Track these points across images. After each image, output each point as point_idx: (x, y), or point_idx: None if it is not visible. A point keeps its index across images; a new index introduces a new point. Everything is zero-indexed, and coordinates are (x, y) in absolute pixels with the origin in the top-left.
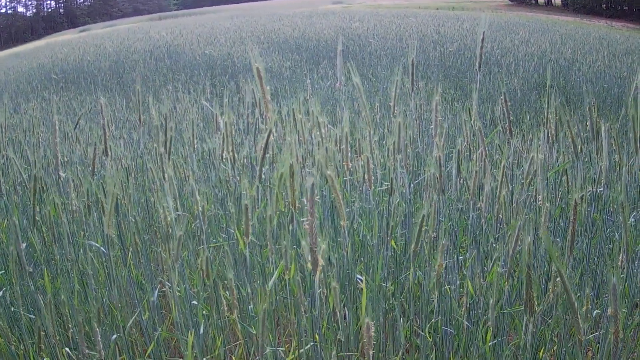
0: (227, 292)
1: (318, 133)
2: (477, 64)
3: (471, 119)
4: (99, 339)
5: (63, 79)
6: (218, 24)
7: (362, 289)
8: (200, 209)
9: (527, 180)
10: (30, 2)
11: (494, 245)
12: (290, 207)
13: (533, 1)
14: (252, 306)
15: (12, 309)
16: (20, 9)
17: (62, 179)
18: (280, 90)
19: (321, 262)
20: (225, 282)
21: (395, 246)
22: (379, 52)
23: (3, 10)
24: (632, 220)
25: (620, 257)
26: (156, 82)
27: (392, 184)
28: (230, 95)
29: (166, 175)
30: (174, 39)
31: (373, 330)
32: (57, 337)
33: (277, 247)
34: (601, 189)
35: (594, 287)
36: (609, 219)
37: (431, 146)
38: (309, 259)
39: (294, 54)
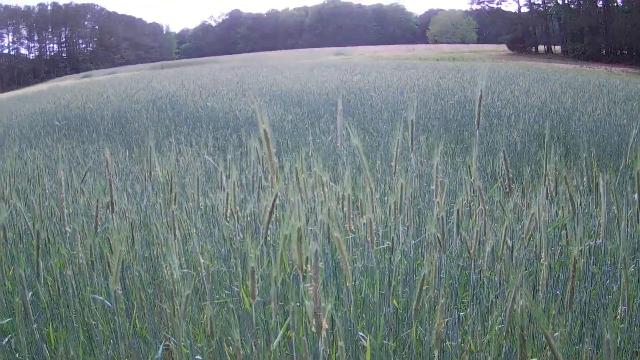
0: (231, 348)
1: (321, 192)
2: (475, 121)
3: (471, 177)
4: None
5: (66, 126)
6: (220, 75)
7: (364, 346)
8: (204, 270)
9: (527, 237)
10: (33, 45)
11: (494, 301)
12: (297, 269)
13: (533, 49)
14: None
15: (17, 354)
16: (23, 51)
17: (67, 234)
18: (282, 144)
19: (325, 326)
20: (229, 338)
21: (396, 304)
22: (380, 106)
23: (6, 51)
24: (632, 268)
25: (620, 308)
26: (158, 133)
27: (394, 242)
28: (233, 150)
29: (171, 232)
30: (176, 90)
31: None
32: None
33: (281, 305)
34: (600, 241)
35: (593, 338)
36: (608, 271)
37: (432, 204)
38: (314, 322)
39: (295, 107)
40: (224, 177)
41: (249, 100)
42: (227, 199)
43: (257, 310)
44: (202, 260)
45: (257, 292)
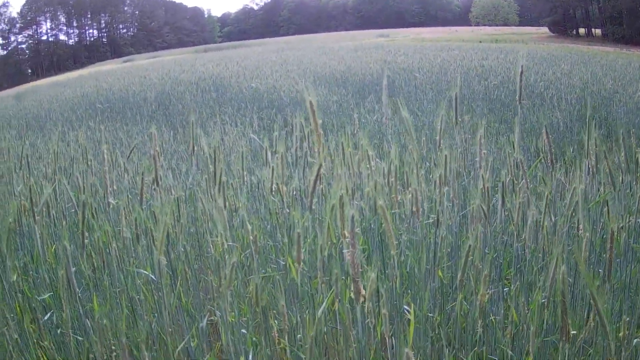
0: (276, 321)
1: (367, 166)
2: (517, 96)
3: (514, 152)
4: None
5: (108, 109)
6: (263, 57)
7: (409, 319)
8: (252, 237)
9: (570, 212)
10: (72, 31)
11: (537, 274)
12: (341, 237)
13: (574, 32)
14: (300, 335)
15: (59, 330)
16: (62, 37)
17: (111, 207)
18: (327, 124)
19: (363, 292)
20: (275, 311)
21: (442, 277)
22: (424, 86)
23: (45, 38)
24: None
25: None
26: (203, 114)
27: (439, 216)
28: (278, 129)
29: (217, 205)
30: (219, 72)
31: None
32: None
33: (327, 278)
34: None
35: (632, 316)
36: None
37: (476, 179)
38: (352, 288)
39: (340, 88)
40: (270, 154)
41: (293, 82)
42: (272, 174)
43: (303, 282)
44: (249, 227)
45: (302, 257)
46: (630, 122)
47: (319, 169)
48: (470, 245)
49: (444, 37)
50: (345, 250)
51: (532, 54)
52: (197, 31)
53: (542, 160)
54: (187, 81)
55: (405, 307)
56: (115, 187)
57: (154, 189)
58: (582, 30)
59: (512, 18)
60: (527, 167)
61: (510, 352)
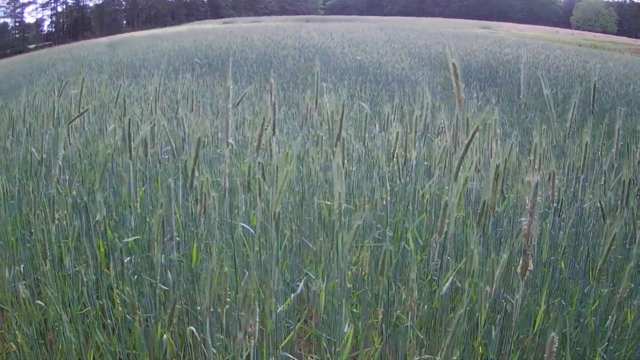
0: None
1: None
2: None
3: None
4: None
5: (207, 65)
6: (368, 33)
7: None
8: (386, 199)
9: None
10: None
11: None
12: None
13: None
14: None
15: (135, 277)
16: None
17: (230, 146)
18: (434, 104)
19: (531, 266)
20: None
21: (564, 268)
22: (528, 80)
23: None
24: None
25: None
26: (307, 79)
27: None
28: (397, 100)
29: (336, 163)
30: (324, 41)
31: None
32: (211, 310)
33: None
34: None
35: None
36: None
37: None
38: (521, 263)
39: (444, 71)
40: (387, 122)
41: (398, 59)
42: (396, 140)
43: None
44: (388, 186)
45: (445, 229)
46: None
47: (475, 131)
48: (615, 233)
49: (545, 36)
50: (521, 219)
51: (630, 64)
52: (301, 1)
53: None
54: (290, 46)
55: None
56: (220, 136)
57: (269, 141)
58: None
59: (611, 27)
60: None
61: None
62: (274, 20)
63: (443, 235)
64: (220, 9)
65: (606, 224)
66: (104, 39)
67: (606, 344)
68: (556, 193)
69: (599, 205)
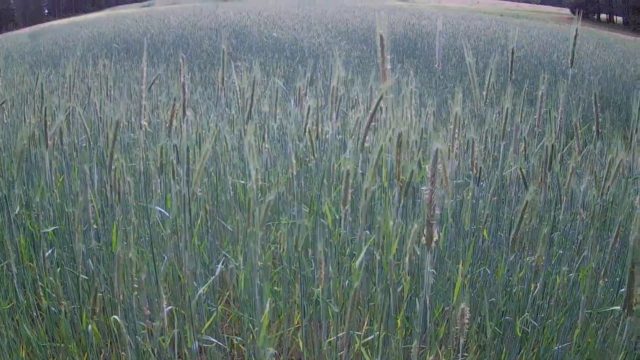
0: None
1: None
2: (569, 60)
3: (559, 117)
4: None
5: (125, 49)
6: (285, 9)
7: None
8: (293, 172)
9: (615, 183)
10: None
11: (581, 244)
12: (395, 180)
13: (595, 16)
14: (322, 286)
15: (59, 269)
16: None
17: (144, 128)
18: (348, 79)
19: (436, 236)
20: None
21: (486, 236)
22: (447, 51)
23: None
24: None
25: None
26: (226, 53)
27: (481, 172)
28: (309, 74)
29: (248, 141)
30: (240, 20)
31: (468, 317)
32: (122, 297)
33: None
34: None
35: None
36: None
37: (514, 144)
38: (424, 232)
39: (361, 44)
40: (299, 98)
41: (315, 34)
42: (308, 114)
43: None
44: (294, 161)
45: (349, 199)
46: None
47: (379, 101)
48: (527, 202)
49: (465, 7)
50: (423, 188)
51: (554, 33)
52: None
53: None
54: (206, 27)
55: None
56: (133, 120)
57: (180, 121)
58: (603, 16)
59: None
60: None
61: (532, 323)
62: (192, 0)
63: (347, 206)
64: None
65: (527, 191)
66: (27, 30)
67: (531, 310)
68: (475, 161)
69: (520, 172)
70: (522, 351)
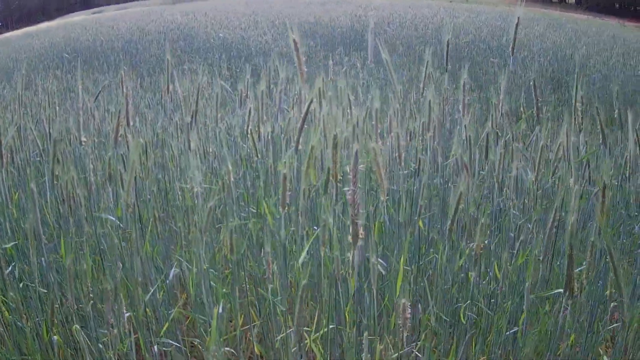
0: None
1: (347, 111)
2: (510, 47)
3: (500, 104)
4: (120, 313)
5: (76, 59)
6: (232, 8)
7: (383, 272)
8: (231, 178)
9: (553, 169)
10: None
11: (520, 230)
12: (331, 179)
13: None
14: (272, 285)
15: (21, 283)
16: None
17: (83, 144)
18: (296, 74)
19: (362, 234)
20: (248, 257)
21: (422, 226)
22: (394, 41)
23: None
24: None
25: None
26: (171, 64)
27: (421, 164)
28: (246, 78)
29: (191, 145)
30: (187, 22)
31: (409, 311)
32: (76, 307)
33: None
34: (622, 182)
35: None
36: (626, 213)
37: (455, 130)
38: (350, 231)
39: (308, 39)
40: (241, 100)
41: (261, 32)
42: (248, 116)
43: (287, 227)
44: (229, 167)
45: (287, 200)
46: (605, 87)
47: (309, 104)
48: (461, 192)
49: None
50: (345, 189)
51: (503, 16)
52: None
53: (526, 115)
54: (154, 31)
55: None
56: (82, 131)
57: (125, 131)
58: None
59: None
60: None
61: (488, 311)
62: (141, 5)
63: (285, 208)
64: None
65: (460, 181)
66: None
67: (484, 297)
68: (403, 154)
69: (456, 162)
70: (473, 337)
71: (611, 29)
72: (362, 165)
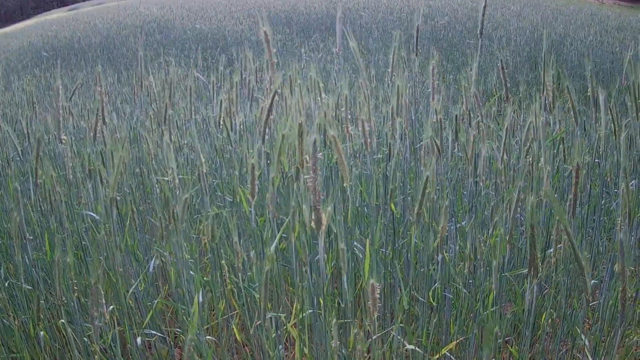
0: (224, 261)
1: (318, 98)
2: (478, 30)
3: (471, 86)
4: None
5: (54, 56)
6: (208, 0)
7: (358, 257)
8: (205, 170)
9: (525, 148)
10: None
11: (493, 210)
12: (299, 167)
13: None
14: (250, 273)
15: (7, 283)
16: None
17: (63, 142)
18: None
19: (325, 220)
20: (221, 250)
21: (394, 210)
22: (369, 25)
23: None
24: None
25: (619, 222)
26: (147, 56)
27: (391, 148)
28: (222, 68)
29: (165, 140)
30: (163, 14)
31: (378, 292)
32: (61, 300)
33: (280, 213)
34: (597, 160)
35: (591, 257)
36: (604, 190)
37: (428, 112)
38: (313, 218)
39: (284, 27)
40: (216, 90)
41: (237, 22)
42: (220, 107)
43: (257, 216)
44: (202, 159)
45: (256, 190)
46: (582, 65)
47: (274, 95)
48: (427, 177)
49: None
50: (306, 177)
51: None
52: None
53: (497, 96)
54: (131, 25)
55: (356, 243)
56: (61, 129)
57: (102, 128)
58: None
59: None
60: (481, 99)
61: (464, 291)
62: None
63: (255, 198)
64: None
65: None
66: None
67: (460, 278)
68: (369, 140)
69: (428, 144)
70: (451, 317)
71: (589, 7)
72: (320, 154)
